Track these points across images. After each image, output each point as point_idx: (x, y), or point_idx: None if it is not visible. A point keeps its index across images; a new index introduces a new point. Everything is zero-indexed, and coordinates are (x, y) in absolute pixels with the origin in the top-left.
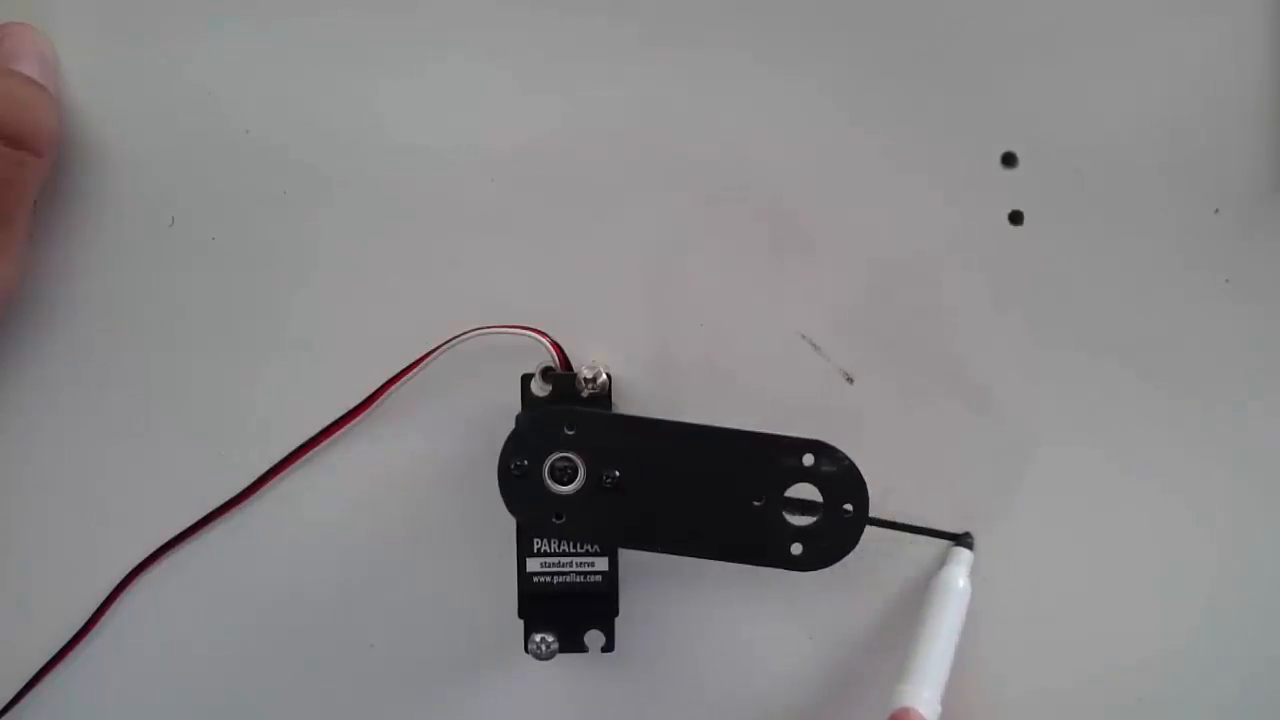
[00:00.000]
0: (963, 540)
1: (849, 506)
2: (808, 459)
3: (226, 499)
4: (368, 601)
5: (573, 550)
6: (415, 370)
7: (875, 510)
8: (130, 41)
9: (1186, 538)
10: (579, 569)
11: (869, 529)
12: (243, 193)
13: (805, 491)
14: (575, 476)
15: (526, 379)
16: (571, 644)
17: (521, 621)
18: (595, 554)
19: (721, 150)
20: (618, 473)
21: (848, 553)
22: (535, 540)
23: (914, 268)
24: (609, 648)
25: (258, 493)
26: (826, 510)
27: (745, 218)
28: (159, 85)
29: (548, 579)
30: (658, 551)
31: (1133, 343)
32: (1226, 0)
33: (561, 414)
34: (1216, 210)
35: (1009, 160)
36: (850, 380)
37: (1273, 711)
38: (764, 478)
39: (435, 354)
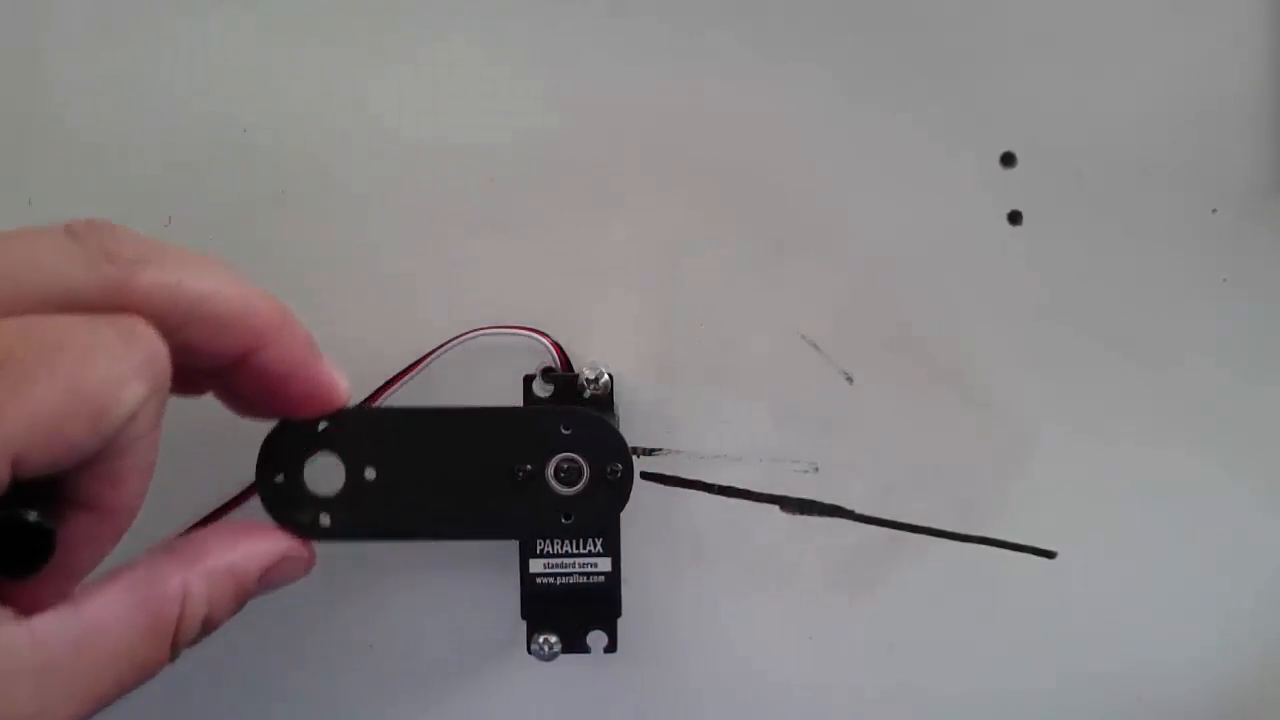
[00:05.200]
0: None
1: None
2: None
3: (227, 499)
4: (368, 601)
5: (575, 551)
6: (415, 370)
7: (872, 509)
8: (127, 41)
9: (1186, 535)
10: (581, 569)
11: (871, 528)
12: (241, 193)
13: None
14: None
15: (529, 380)
16: (574, 645)
17: (524, 622)
18: (598, 554)
19: (721, 149)
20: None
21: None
22: (539, 541)
23: (914, 268)
24: (612, 648)
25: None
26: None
27: (745, 217)
28: (156, 84)
29: (550, 580)
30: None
31: (1132, 342)
32: (1226, 0)
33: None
34: (1215, 210)
35: (1008, 160)
36: (850, 380)
37: (1273, 711)
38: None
39: (435, 354)
